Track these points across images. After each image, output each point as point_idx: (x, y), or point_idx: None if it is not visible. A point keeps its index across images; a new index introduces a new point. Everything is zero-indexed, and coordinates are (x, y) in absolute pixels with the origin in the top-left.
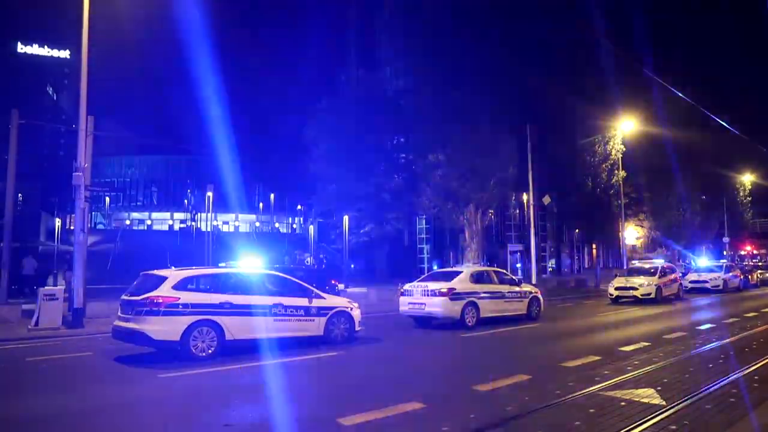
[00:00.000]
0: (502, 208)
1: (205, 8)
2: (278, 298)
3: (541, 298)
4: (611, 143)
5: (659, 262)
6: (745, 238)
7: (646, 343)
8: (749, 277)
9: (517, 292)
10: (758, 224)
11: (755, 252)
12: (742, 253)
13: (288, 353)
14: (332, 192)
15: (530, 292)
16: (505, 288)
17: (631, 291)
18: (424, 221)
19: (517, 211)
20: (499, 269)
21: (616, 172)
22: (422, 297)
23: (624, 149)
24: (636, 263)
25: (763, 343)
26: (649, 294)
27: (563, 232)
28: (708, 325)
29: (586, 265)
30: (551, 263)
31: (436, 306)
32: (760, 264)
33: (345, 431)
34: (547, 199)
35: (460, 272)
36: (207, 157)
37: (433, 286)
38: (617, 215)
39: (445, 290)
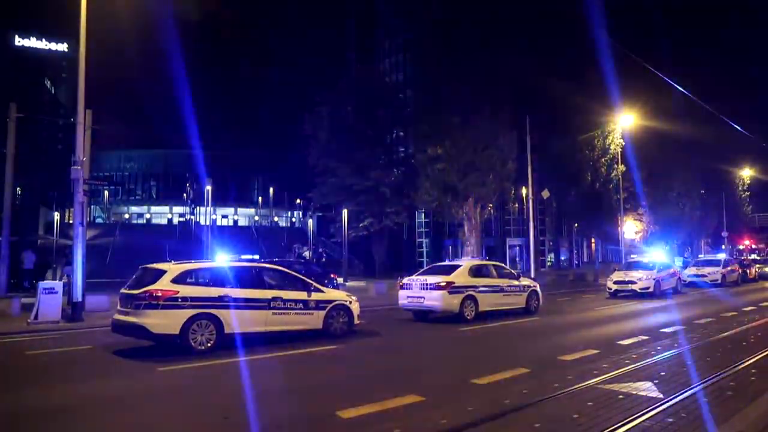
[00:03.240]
0: (502, 202)
1: (204, 1)
2: (277, 291)
3: (540, 292)
4: (610, 137)
5: (658, 256)
6: (743, 233)
7: (645, 337)
8: (747, 271)
9: (515, 286)
10: (757, 219)
11: (753, 246)
12: (741, 247)
13: (287, 346)
14: (331, 186)
15: (529, 286)
16: (504, 282)
17: (629, 285)
18: (423, 215)
19: (517, 205)
20: (498, 263)
21: (615, 166)
22: (421, 291)
23: (623, 143)
24: (634, 257)
25: (760, 336)
26: (648, 288)
27: (562, 226)
28: (706, 319)
29: (585, 259)
30: (550, 257)
31: (435, 300)
32: (758, 258)
33: (344, 424)
34: (546, 193)
35: (459, 266)
36: (206, 151)
37: (432, 279)
38: (616, 209)
39: (443, 284)
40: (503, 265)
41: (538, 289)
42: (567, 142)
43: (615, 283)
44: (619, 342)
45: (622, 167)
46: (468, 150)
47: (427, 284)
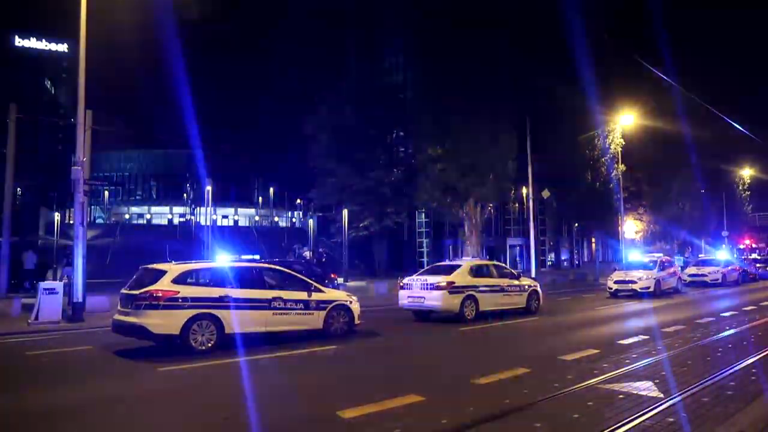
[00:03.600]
0: (502, 202)
1: (204, 0)
2: (277, 291)
3: (540, 292)
4: (611, 137)
5: (658, 255)
6: (744, 232)
7: (645, 337)
8: (747, 270)
9: (516, 286)
10: (757, 218)
11: (754, 245)
12: (741, 247)
13: (287, 347)
14: (332, 186)
15: (529, 286)
16: (504, 282)
17: (630, 285)
18: (423, 215)
19: (517, 205)
20: (498, 263)
21: (615, 165)
22: (421, 291)
23: (623, 143)
24: (635, 257)
25: (761, 336)
26: (648, 287)
27: (562, 225)
28: (706, 319)
29: (586, 259)
30: (550, 257)
31: (436, 300)
32: (759, 258)
33: (345, 424)
34: (546, 193)
35: (460, 266)
36: (207, 151)
37: (432, 279)
38: (617, 209)
39: (444, 284)
40: (503, 264)
41: (539, 288)
42: (567, 141)
43: (615, 282)
44: (619, 342)
45: (622, 166)
46: (468, 150)
47: (427, 284)
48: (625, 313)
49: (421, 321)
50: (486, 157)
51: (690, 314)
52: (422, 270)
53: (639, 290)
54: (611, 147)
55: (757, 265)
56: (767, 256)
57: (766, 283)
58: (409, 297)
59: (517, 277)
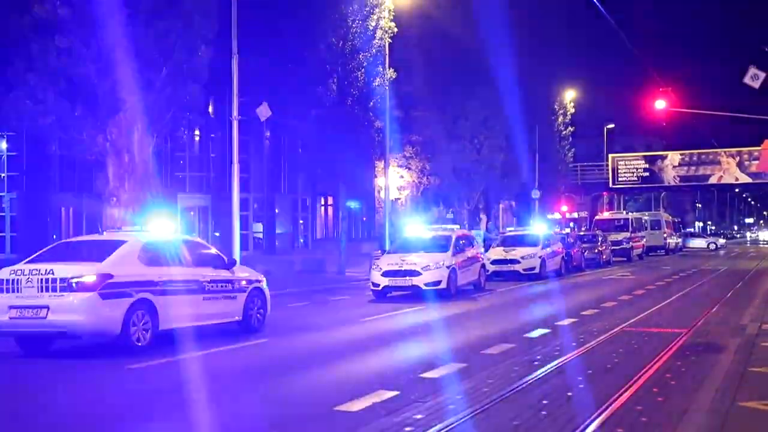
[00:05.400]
0: (176, 126)
1: None
2: None
3: (267, 292)
4: (375, 15)
5: (451, 228)
6: (560, 194)
7: (461, 365)
8: (572, 254)
9: (226, 282)
10: (579, 171)
11: (573, 215)
12: (555, 216)
13: None
14: None
15: (249, 282)
16: (206, 273)
17: (408, 278)
18: (4, 141)
19: (200, 134)
20: (193, 238)
21: (381, 69)
22: (39, 294)
23: (395, 30)
24: (412, 230)
25: (623, 354)
26: (438, 283)
27: (282, 174)
28: (539, 331)
29: (319, 235)
30: (258, 229)
31: (73, 311)
32: (583, 234)
33: None
34: (265, 111)
35: (121, 243)
36: None
37: (63, 270)
38: (377, 146)
39: (92, 279)
40: (202, 241)
41: (264, 285)
42: (303, 20)
43: (385, 275)
44: (422, 375)
45: (391, 72)
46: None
47: (50, 280)
48: (413, 326)
49: (37, 356)
50: (159, 33)
51: (512, 325)
52: (40, 252)
53: (424, 287)
54: (376, 33)
55: (583, 245)
56: (594, 232)
57: (595, 274)
58: (13, 308)
59: (228, 266)
